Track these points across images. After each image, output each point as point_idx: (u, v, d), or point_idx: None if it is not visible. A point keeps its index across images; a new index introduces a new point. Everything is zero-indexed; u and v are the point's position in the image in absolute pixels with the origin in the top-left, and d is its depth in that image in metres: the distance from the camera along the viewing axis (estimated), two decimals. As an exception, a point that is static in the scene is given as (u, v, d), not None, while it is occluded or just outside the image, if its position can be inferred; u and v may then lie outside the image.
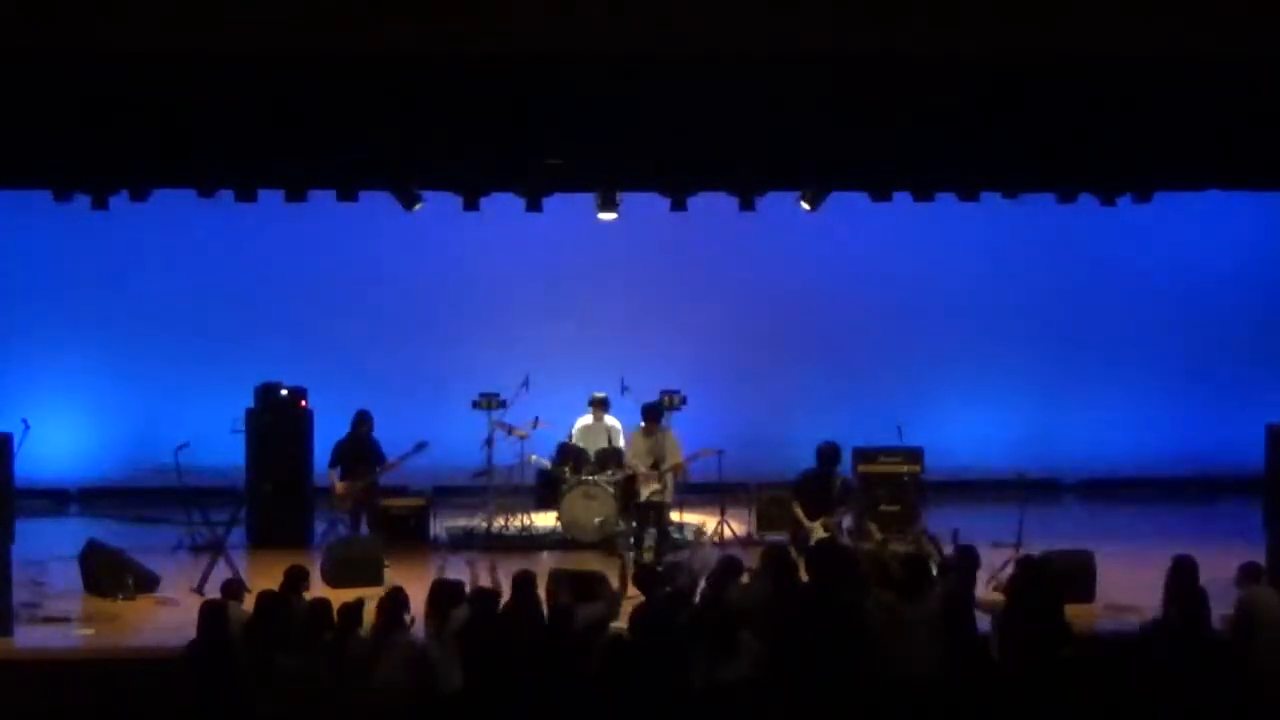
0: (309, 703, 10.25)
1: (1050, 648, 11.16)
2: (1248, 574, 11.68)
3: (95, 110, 12.79)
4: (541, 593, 11.92)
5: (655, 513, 14.80)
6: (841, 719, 10.74)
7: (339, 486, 15.60)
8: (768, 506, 16.56)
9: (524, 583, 11.31)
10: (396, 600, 10.87)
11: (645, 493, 14.70)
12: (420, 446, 15.60)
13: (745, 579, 11.85)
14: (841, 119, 13.38)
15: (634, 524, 14.97)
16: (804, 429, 18.68)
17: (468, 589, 11.39)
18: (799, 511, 14.16)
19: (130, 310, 18.45)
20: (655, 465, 14.69)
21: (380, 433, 15.92)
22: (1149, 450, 19.48)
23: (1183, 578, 11.54)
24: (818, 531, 13.80)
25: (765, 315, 18.98)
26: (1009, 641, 11.22)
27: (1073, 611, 11.80)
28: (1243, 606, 11.51)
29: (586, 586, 12.25)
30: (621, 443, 16.51)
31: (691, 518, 16.86)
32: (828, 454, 14.33)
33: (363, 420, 15.75)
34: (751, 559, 12.73)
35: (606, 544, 15.54)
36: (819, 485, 14.24)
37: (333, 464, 15.72)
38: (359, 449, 15.68)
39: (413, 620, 11.02)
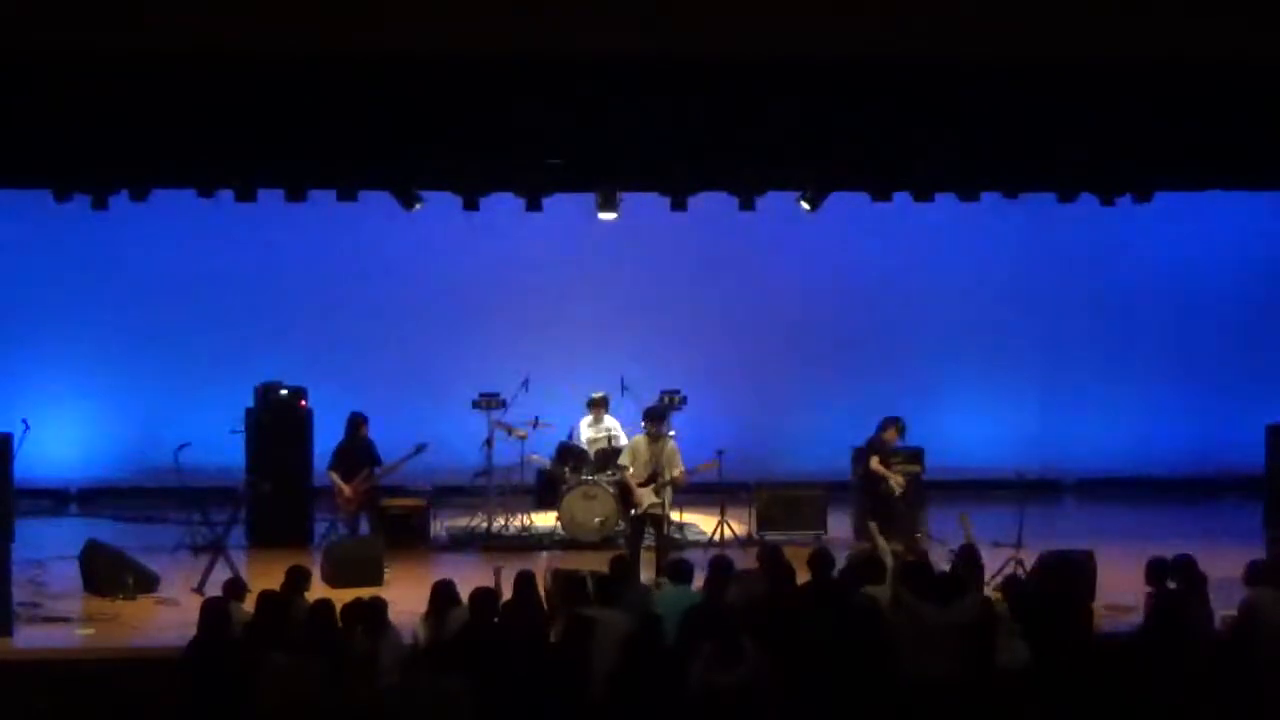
0: (309, 703, 10.24)
1: (1072, 646, 11.17)
2: (1254, 574, 11.67)
3: (95, 110, 12.79)
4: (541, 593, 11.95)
5: (654, 521, 14.76)
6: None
7: (347, 489, 15.49)
8: (768, 506, 16.58)
9: (524, 583, 11.32)
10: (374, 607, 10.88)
11: (645, 504, 14.63)
12: (419, 449, 15.57)
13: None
14: (843, 119, 13.39)
15: (631, 533, 14.86)
16: (804, 429, 18.77)
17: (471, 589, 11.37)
18: (881, 468, 14.88)
19: (130, 310, 18.46)
20: (653, 476, 14.58)
21: (380, 433, 15.87)
22: (1149, 450, 19.49)
23: (1156, 577, 11.62)
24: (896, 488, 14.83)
25: (765, 315, 18.99)
26: (1035, 638, 11.19)
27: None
28: (1245, 607, 11.51)
29: (585, 587, 12.22)
30: (622, 442, 16.47)
31: (692, 518, 16.87)
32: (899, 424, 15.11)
33: (359, 423, 15.69)
34: (751, 559, 12.74)
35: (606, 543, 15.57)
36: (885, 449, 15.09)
37: (333, 467, 15.63)
38: (357, 451, 15.62)
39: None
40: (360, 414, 15.69)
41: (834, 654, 10.77)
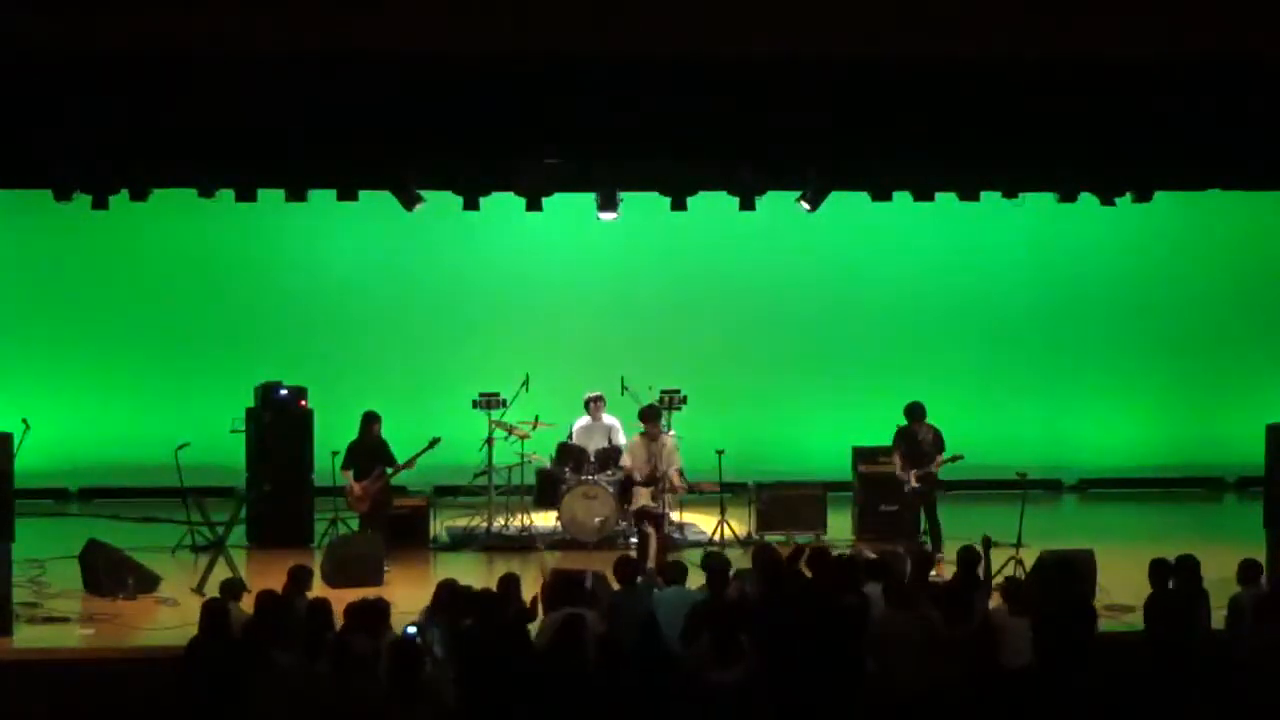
0: (309, 702, 10.24)
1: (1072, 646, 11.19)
2: (1245, 573, 11.72)
3: (95, 110, 12.80)
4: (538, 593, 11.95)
5: (652, 520, 14.78)
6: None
7: (357, 488, 15.47)
8: (768, 506, 16.57)
9: (509, 583, 11.34)
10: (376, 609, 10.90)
11: (639, 503, 14.70)
12: (434, 443, 15.51)
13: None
14: (841, 119, 13.40)
15: (634, 529, 14.90)
16: (804, 429, 18.76)
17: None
18: (897, 462, 15.58)
19: (130, 310, 18.42)
20: (653, 475, 14.60)
21: (381, 433, 15.86)
22: (1150, 450, 19.47)
23: (1161, 578, 11.63)
24: (911, 483, 15.43)
25: (765, 315, 18.97)
26: (1034, 638, 11.18)
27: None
28: (1233, 606, 11.57)
29: (586, 587, 12.22)
30: (621, 440, 16.48)
31: (692, 518, 16.86)
32: (913, 410, 15.63)
33: (372, 421, 15.66)
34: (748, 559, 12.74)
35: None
36: (909, 438, 15.61)
37: (347, 466, 15.58)
38: (370, 449, 15.59)
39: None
40: (373, 412, 15.65)
41: (822, 652, 10.78)
